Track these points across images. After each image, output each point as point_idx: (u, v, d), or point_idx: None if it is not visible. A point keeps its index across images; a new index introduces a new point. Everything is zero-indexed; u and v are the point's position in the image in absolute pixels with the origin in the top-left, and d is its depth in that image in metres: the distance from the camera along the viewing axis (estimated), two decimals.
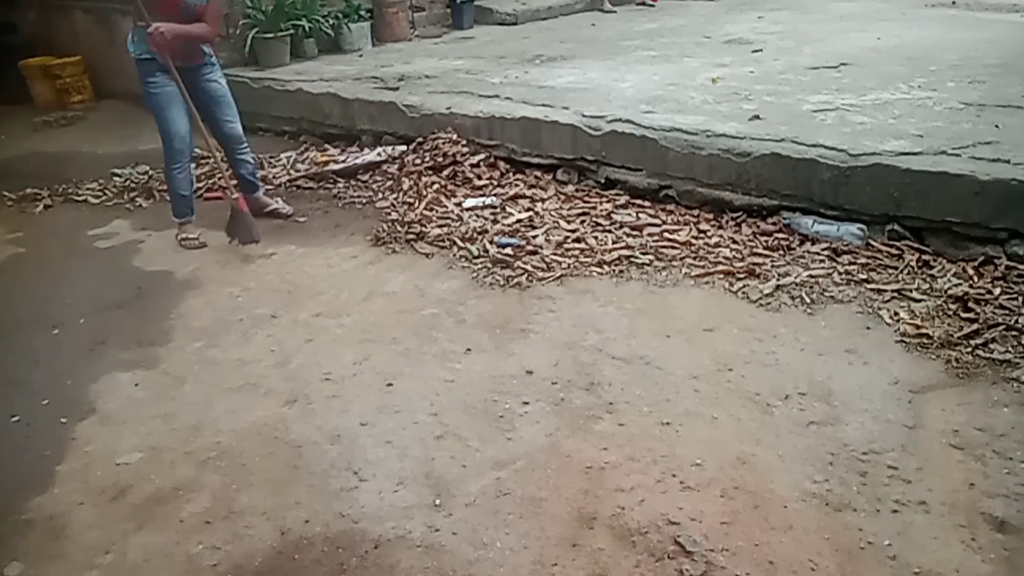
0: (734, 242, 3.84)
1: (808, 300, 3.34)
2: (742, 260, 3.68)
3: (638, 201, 4.34)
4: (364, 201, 4.76)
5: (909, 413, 2.64)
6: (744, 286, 3.48)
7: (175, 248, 4.27)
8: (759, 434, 2.58)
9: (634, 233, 4.00)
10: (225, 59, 6.51)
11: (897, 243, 3.64)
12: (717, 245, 3.83)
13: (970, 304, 3.16)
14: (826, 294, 3.38)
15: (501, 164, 4.89)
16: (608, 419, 2.69)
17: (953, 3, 8.21)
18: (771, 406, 2.71)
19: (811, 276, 3.50)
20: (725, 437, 2.58)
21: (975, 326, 3.04)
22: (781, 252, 3.72)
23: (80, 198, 5.07)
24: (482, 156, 4.90)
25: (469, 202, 4.47)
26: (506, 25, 8.27)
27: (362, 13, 7.05)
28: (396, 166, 5.07)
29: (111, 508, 2.42)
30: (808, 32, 6.98)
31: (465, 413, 2.77)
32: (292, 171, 5.31)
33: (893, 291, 3.33)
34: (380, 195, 4.81)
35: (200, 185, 5.14)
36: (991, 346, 2.94)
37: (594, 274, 3.68)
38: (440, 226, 4.23)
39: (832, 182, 3.76)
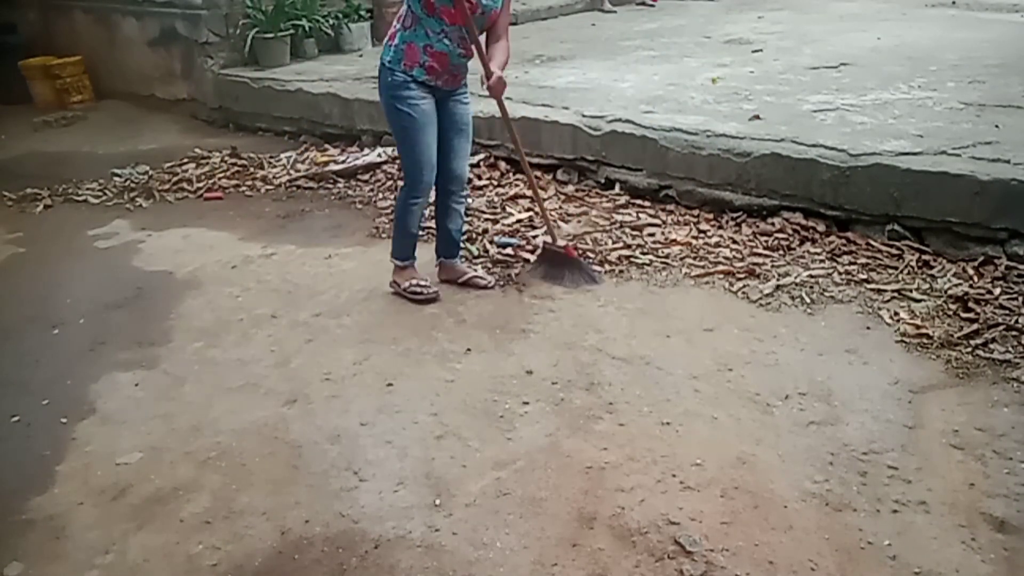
0: (734, 242, 3.84)
1: (808, 300, 3.34)
2: (742, 260, 3.68)
3: (638, 201, 4.34)
4: (364, 201, 4.77)
5: (909, 413, 2.64)
6: (744, 286, 3.48)
7: (175, 248, 4.27)
8: (759, 434, 2.58)
9: (634, 233, 4.00)
10: (225, 59, 6.52)
11: (897, 243, 3.64)
12: (717, 245, 3.83)
13: (970, 304, 3.16)
14: (826, 294, 3.38)
15: (501, 164, 4.89)
16: (608, 419, 2.69)
17: (953, 3, 8.22)
18: (771, 406, 2.71)
19: (811, 276, 3.50)
20: (725, 437, 2.58)
21: (975, 326, 3.04)
22: (781, 252, 3.72)
23: (80, 198, 5.07)
24: (482, 156, 4.90)
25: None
26: None
27: (362, 13, 7.05)
28: (396, 166, 5.07)
29: (111, 508, 2.42)
30: (808, 32, 6.98)
31: (465, 413, 2.77)
32: (292, 171, 5.31)
33: (893, 291, 3.34)
34: (380, 195, 4.82)
35: (200, 185, 5.15)
36: (991, 346, 2.94)
37: None
38: None
39: (832, 182, 3.76)
